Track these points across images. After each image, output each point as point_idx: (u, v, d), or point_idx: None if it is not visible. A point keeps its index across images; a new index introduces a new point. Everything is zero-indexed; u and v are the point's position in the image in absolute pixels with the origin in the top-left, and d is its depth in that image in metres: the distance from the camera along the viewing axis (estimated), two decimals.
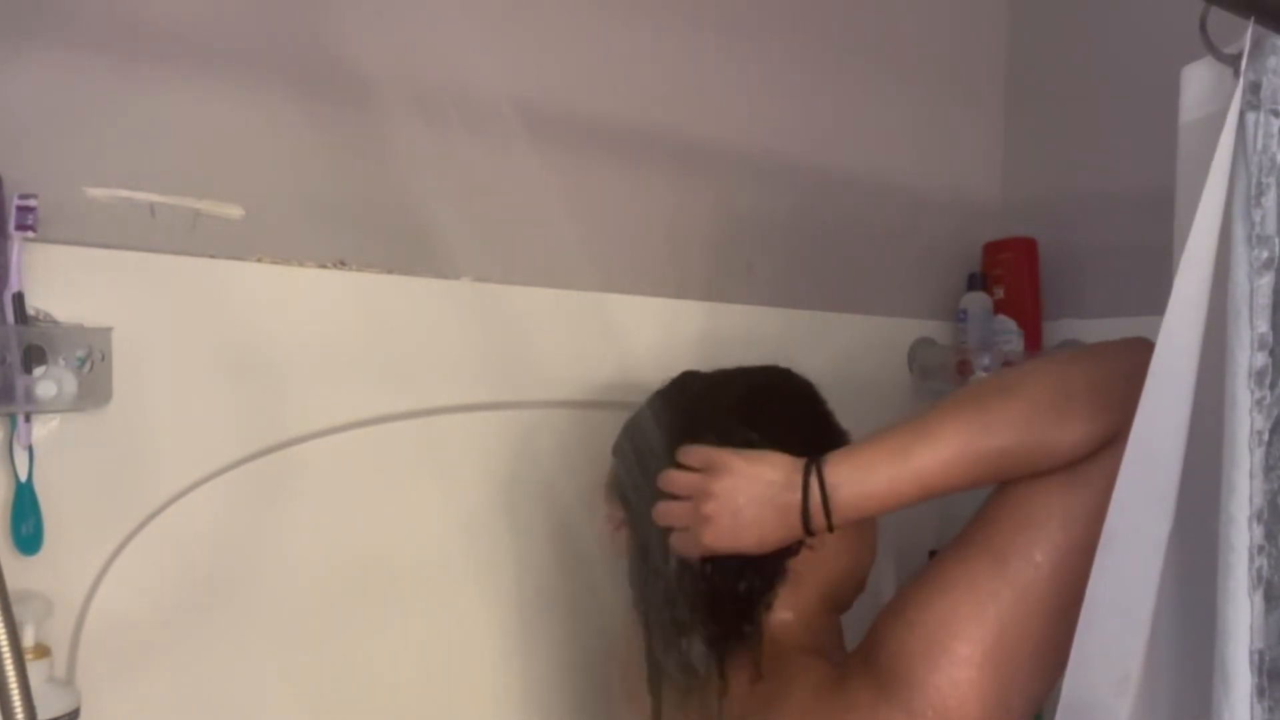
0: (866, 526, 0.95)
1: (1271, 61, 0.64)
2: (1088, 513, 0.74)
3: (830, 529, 0.81)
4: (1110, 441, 0.74)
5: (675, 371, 1.02)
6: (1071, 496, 0.76)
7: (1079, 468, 0.76)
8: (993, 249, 1.54)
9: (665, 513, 0.87)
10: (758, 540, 0.83)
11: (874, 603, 0.90)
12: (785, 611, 0.90)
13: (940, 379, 1.48)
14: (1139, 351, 0.67)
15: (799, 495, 0.80)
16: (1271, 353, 0.63)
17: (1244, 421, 0.63)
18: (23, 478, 0.86)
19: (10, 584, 0.61)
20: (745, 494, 0.82)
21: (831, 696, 0.81)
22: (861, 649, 0.83)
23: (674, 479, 0.86)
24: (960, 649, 0.75)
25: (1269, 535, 0.63)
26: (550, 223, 1.15)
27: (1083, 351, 0.81)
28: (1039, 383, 0.77)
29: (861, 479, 0.79)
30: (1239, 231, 0.64)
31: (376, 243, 1.05)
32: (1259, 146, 0.64)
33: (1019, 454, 0.76)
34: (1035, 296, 1.49)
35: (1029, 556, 0.76)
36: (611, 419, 1.00)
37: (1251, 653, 0.63)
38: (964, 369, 1.46)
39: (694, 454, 0.86)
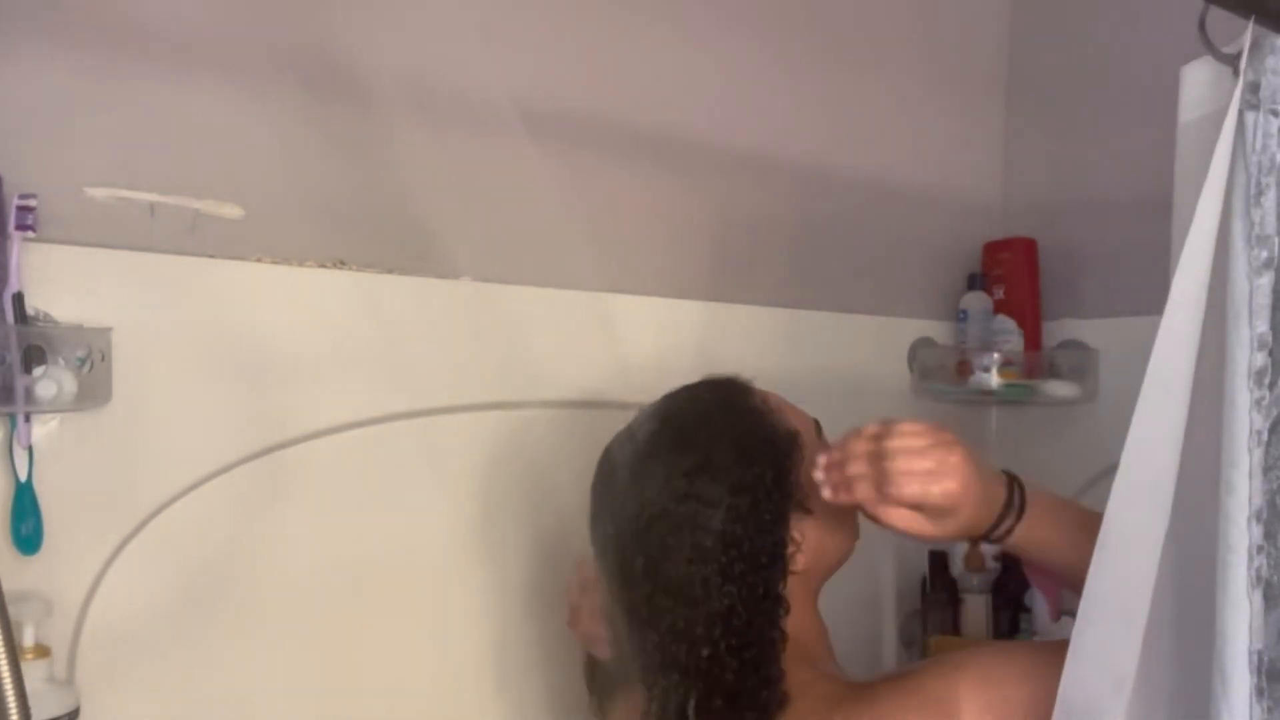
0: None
1: (1271, 61, 0.64)
2: None
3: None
4: None
5: (675, 372, 1.02)
6: None
7: None
8: (993, 249, 1.54)
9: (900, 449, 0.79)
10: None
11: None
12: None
13: (940, 379, 1.48)
14: None
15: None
16: (1271, 353, 0.63)
17: (1243, 421, 0.63)
18: (23, 478, 0.86)
19: (10, 584, 0.61)
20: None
21: None
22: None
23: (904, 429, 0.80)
24: None
25: (1268, 535, 0.63)
26: (550, 223, 1.15)
27: None
28: None
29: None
30: (1238, 231, 0.64)
31: (376, 243, 1.05)
32: (1258, 146, 0.64)
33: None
34: (1035, 296, 1.50)
35: None
36: (611, 419, 1.00)
37: (1250, 653, 0.63)
38: (964, 369, 1.46)
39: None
